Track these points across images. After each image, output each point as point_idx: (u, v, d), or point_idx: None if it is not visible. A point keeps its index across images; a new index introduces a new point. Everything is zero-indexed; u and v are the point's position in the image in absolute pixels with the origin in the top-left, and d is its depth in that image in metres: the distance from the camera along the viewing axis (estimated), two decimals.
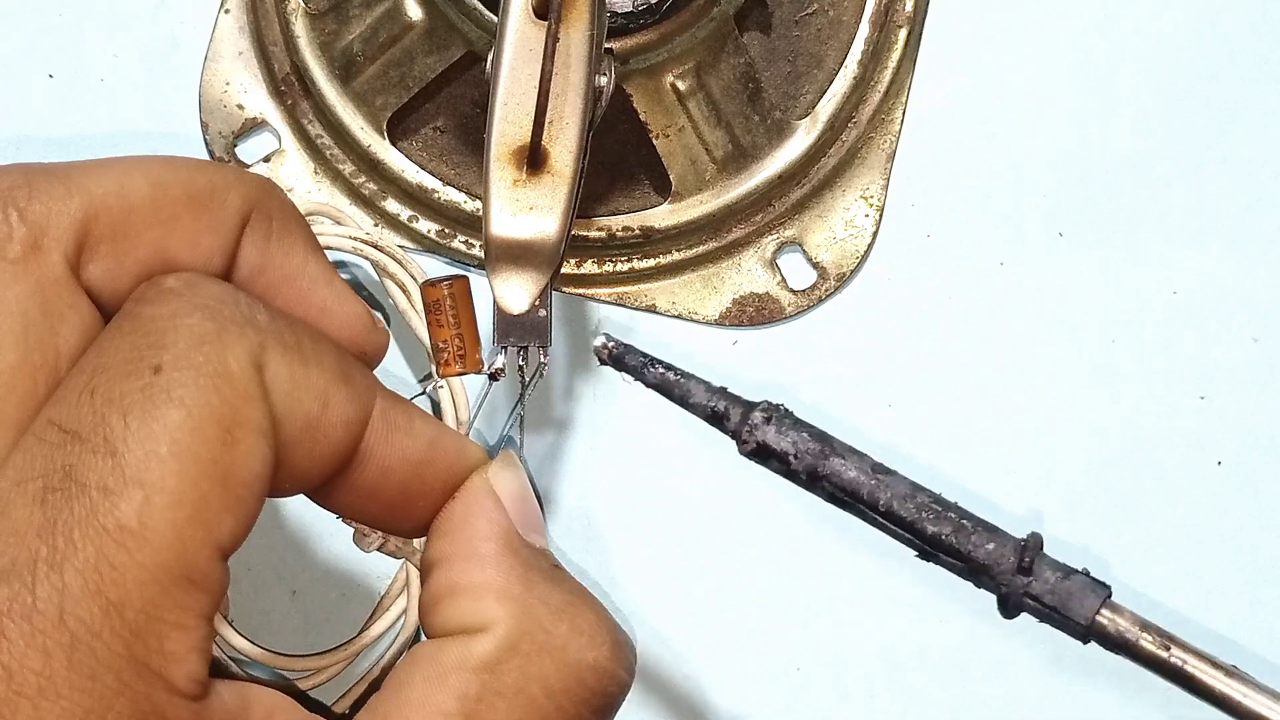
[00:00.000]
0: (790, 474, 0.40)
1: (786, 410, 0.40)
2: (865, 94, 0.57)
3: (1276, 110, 0.57)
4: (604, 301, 0.57)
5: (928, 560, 0.39)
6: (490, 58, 0.47)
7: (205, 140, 0.58)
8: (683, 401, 0.42)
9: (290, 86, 0.58)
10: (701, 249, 0.57)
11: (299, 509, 0.56)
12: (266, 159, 0.58)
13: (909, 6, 0.57)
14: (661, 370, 0.43)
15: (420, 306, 0.53)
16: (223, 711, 0.30)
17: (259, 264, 0.35)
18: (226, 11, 0.58)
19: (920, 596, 0.55)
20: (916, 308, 0.57)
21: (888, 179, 0.57)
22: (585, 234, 0.56)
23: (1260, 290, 0.56)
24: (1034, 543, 0.38)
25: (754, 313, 0.57)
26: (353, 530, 0.52)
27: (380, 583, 0.56)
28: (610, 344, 0.45)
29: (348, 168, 0.57)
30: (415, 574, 0.53)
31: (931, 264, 0.57)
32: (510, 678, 0.32)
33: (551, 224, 0.46)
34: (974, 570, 0.38)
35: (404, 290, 0.55)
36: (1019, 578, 0.37)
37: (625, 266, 0.57)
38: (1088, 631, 0.37)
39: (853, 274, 0.57)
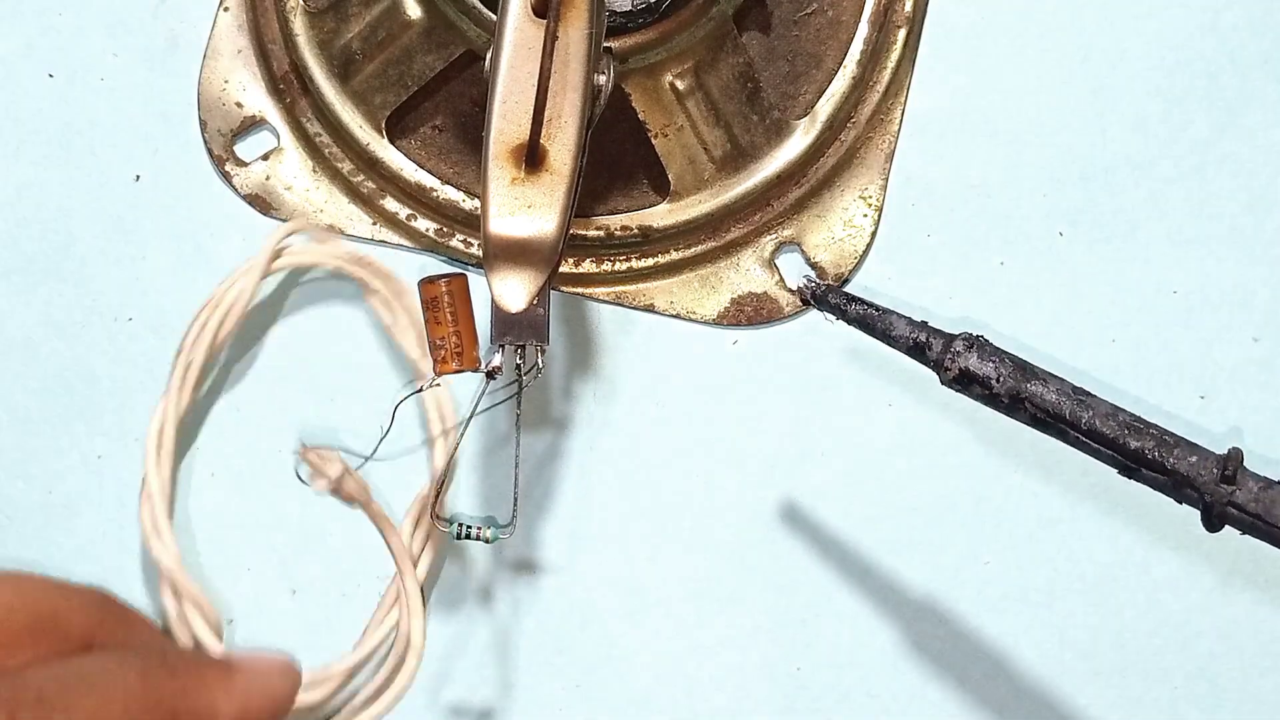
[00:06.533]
0: (992, 398, 0.41)
1: (986, 340, 0.41)
2: (864, 94, 0.57)
3: (1276, 110, 0.57)
4: (602, 301, 0.57)
5: (1130, 477, 0.39)
6: (489, 56, 0.47)
7: (204, 138, 0.58)
8: (885, 336, 0.43)
9: (289, 84, 0.58)
10: (700, 248, 0.57)
11: (298, 509, 0.56)
12: (265, 157, 0.58)
13: (908, 6, 0.57)
14: (863, 307, 0.43)
15: (408, 319, 0.54)
16: None
17: None
18: (225, 10, 0.58)
19: (920, 596, 0.55)
20: (916, 307, 0.56)
21: (886, 179, 0.57)
22: (583, 233, 0.56)
23: (1260, 290, 0.56)
24: (1235, 455, 0.38)
25: (752, 312, 0.57)
26: (304, 464, 0.51)
27: (380, 583, 0.56)
28: (812, 284, 0.46)
29: (346, 166, 0.57)
30: (408, 586, 0.53)
31: (931, 264, 0.57)
32: None
33: (550, 223, 0.46)
34: (1177, 484, 0.38)
35: (389, 307, 0.54)
36: (1222, 487, 0.37)
37: (624, 266, 0.57)
38: None
39: (851, 274, 0.57)
